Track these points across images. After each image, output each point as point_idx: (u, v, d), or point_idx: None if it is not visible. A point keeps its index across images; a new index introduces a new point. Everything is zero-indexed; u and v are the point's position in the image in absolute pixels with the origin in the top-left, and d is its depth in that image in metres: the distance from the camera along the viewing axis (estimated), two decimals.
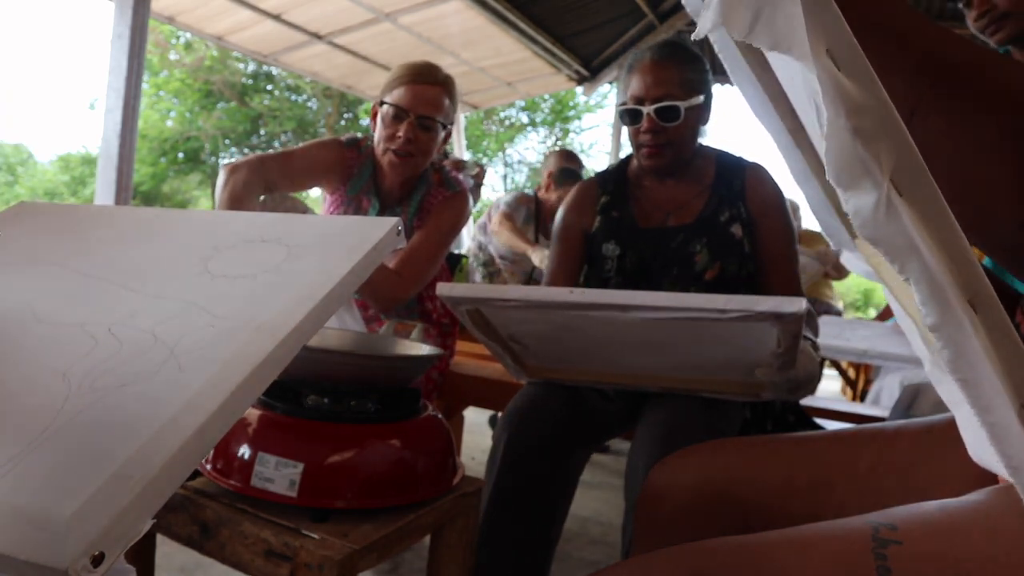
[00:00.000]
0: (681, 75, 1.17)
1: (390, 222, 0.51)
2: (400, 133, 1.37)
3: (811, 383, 0.96)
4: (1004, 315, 0.31)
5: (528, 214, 3.18)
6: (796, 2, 0.32)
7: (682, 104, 1.16)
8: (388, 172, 1.45)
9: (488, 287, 0.89)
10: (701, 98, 1.19)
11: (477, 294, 0.89)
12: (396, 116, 1.38)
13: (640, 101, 1.18)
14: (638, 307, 0.80)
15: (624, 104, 1.21)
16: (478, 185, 4.20)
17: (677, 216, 1.24)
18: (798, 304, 0.73)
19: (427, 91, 1.38)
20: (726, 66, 0.51)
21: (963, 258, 0.32)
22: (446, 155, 3.81)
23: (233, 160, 1.33)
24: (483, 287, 0.89)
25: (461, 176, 2.02)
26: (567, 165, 3.32)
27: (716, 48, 0.49)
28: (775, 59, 0.41)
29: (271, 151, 1.80)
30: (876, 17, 0.41)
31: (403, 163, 1.40)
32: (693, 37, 0.40)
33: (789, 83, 0.42)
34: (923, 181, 0.32)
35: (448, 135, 1.49)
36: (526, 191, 3.43)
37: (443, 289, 0.89)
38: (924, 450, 0.61)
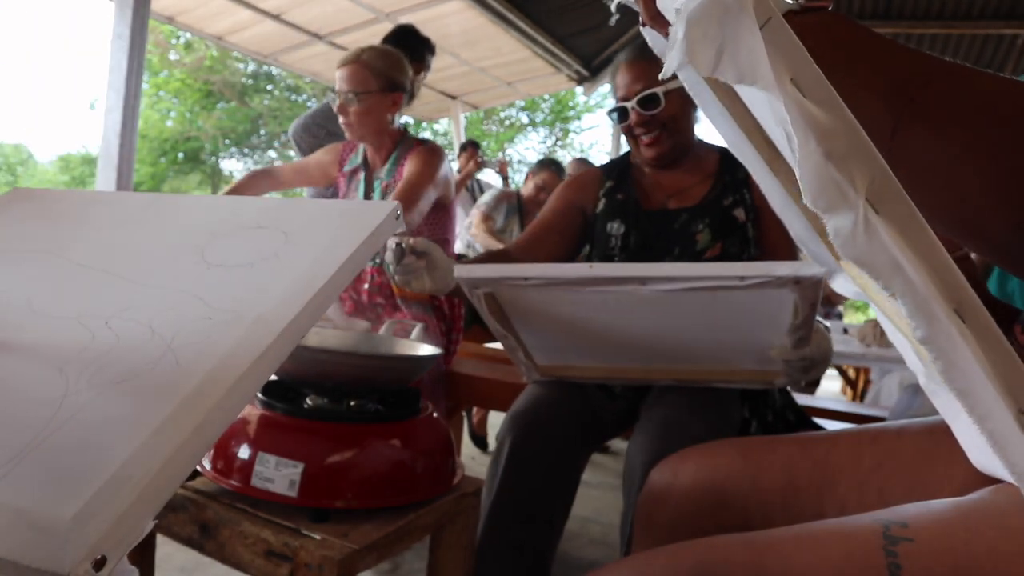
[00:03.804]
0: (656, 68, 1.18)
1: (388, 206, 0.50)
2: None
3: (825, 362, 0.96)
4: (991, 321, 0.32)
5: (510, 209, 3.23)
6: (757, 36, 0.33)
7: (660, 90, 1.17)
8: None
9: (506, 266, 0.87)
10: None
11: (495, 274, 0.88)
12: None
13: (624, 99, 1.21)
14: (657, 278, 0.80)
15: (613, 106, 1.24)
16: (505, 179, 4.27)
17: (679, 199, 1.25)
18: (817, 268, 0.73)
19: (343, 72, 1.61)
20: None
21: (944, 268, 0.32)
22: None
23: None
24: (501, 266, 0.87)
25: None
26: (545, 157, 3.42)
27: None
28: (745, 90, 0.42)
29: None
30: (849, 45, 0.42)
31: (349, 134, 1.63)
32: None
33: (761, 113, 0.43)
34: (898, 197, 0.33)
35: (398, 98, 1.63)
36: (508, 189, 3.49)
37: (461, 270, 0.88)
38: (928, 450, 0.61)
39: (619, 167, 1.33)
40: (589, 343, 1.03)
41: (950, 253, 0.33)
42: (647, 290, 0.81)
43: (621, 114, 1.22)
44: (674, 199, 1.25)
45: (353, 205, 0.52)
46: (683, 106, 1.21)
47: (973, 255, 0.90)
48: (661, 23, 0.47)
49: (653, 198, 1.27)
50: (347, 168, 1.72)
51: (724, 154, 1.27)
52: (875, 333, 2.44)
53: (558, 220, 1.30)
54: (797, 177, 0.33)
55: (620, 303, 0.86)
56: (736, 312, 0.85)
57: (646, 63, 1.19)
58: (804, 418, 1.20)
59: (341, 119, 1.61)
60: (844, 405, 1.96)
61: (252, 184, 1.73)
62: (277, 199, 0.56)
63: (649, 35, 0.52)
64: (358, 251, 0.46)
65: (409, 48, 2.53)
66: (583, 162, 3.75)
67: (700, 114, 1.27)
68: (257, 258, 0.46)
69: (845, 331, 2.50)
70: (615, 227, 1.25)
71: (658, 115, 1.19)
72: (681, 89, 1.18)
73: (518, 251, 1.27)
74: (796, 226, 0.58)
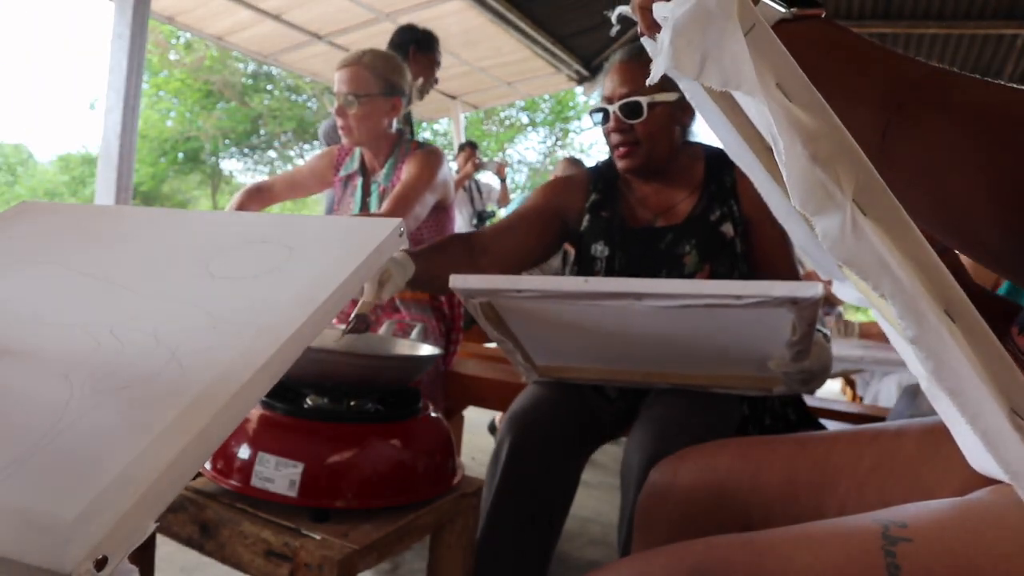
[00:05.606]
0: (649, 74, 1.15)
1: (392, 224, 0.51)
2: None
3: (824, 374, 0.95)
4: (981, 321, 0.32)
5: None
6: (741, 42, 0.34)
7: (644, 100, 1.13)
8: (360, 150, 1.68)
9: (501, 278, 0.88)
10: (673, 96, 1.14)
11: (490, 285, 0.88)
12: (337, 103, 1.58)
13: (609, 101, 1.17)
14: (653, 295, 0.80)
15: (596, 105, 1.20)
16: (503, 180, 4.29)
17: (666, 217, 1.22)
18: (814, 289, 0.73)
19: (343, 74, 1.57)
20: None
21: (933, 269, 0.32)
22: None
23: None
24: (496, 278, 0.88)
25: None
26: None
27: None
28: (741, 96, 0.43)
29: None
30: (842, 50, 0.42)
31: (346, 138, 1.60)
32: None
33: (758, 119, 0.43)
34: (884, 199, 0.33)
35: (397, 102, 1.60)
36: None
37: (456, 281, 0.88)
38: (927, 450, 0.61)
39: (605, 176, 1.29)
40: (588, 348, 1.03)
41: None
42: (642, 305, 0.81)
43: (601, 116, 1.19)
44: (661, 217, 1.22)
45: (357, 222, 0.53)
46: (666, 123, 1.17)
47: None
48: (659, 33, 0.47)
49: (640, 215, 1.24)
50: (343, 173, 1.70)
51: (709, 161, 1.23)
52: (839, 328, 2.47)
53: (534, 217, 1.28)
54: (784, 180, 0.33)
55: (617, 314, 0.86)
56: (733, 326, 0.85)
57: (639, 66, 1.15)
58: (806, 416, 1.19)
59: (339, 123, 1.57)
60: (844, 405, 1.96)
61: (247, 203, 1.70)
62: (281, 215, 0.57)
63: (650, 45, 0.52)
64: (361, 267, 0.47)
65: (421, 44, 2.55)
66: (575, 162, 3.78)
67: (690, 130, 1.24)
68: (261, 271, 0.47)
69: None
70: (599, 249, 1.22)
71: (636, 127, 1.15)
72: (668, 104, 1.15)
73: (488, 237, 1.24)
74: (799, 234, 0.59)
